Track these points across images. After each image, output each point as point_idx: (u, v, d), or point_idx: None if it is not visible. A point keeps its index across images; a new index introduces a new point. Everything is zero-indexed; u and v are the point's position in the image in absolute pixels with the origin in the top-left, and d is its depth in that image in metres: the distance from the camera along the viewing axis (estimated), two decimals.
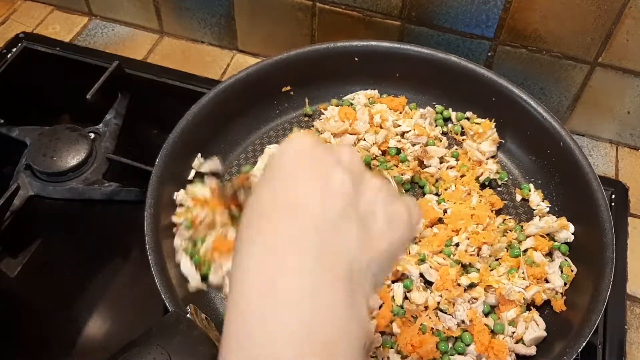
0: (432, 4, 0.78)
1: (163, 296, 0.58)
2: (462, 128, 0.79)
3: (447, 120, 0.81)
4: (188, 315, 0.53)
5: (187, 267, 0.64)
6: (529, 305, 0.64)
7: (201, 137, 0.73)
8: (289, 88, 0.80)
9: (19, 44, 0.93)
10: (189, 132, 0.71)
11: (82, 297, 0.67)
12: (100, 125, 0.81)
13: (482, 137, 0.76)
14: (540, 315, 0.63)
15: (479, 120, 0.78)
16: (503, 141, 0.77)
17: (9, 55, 0.91)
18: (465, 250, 0.66)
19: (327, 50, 0.79)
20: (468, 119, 0.79)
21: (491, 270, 0.66)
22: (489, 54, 0.81)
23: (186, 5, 0.91)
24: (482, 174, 0.74)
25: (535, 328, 0.62)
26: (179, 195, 0.69)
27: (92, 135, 0.79)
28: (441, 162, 0.76)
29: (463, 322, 0.62)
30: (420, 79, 0.81)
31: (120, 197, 0.75)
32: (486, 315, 0.63)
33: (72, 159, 0.75)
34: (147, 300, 0.66)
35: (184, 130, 0.70)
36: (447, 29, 0.81)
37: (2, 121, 0.81)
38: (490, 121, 0.77)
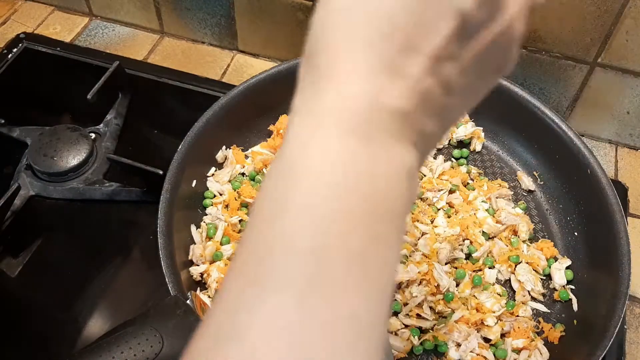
0: None
1: (167, 279, 0.58)
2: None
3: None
4: (188, 301, 0.53)
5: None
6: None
7: (225, 128, 0.73)
8: None
9: (20, 45, 0.93)
10: (214, 122, 0.71)
11: (83, 296, 0.67)
12: (101, 125, 0.81)
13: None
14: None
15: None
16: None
17: (9, 56, 0.91)
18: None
19: None
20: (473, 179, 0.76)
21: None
22: None
23: (186, 6, 0.92)
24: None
25: (538, 357, 0.61)
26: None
27: (93, 136, 0.79)
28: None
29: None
30: None
31: (120, 197, 0.75)
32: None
33: (73, 159, 0.75)
34: (148, 300, 0.66)
35: (210, 120, 0.70)
36: None
37: (2, 121, 0.81)
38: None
